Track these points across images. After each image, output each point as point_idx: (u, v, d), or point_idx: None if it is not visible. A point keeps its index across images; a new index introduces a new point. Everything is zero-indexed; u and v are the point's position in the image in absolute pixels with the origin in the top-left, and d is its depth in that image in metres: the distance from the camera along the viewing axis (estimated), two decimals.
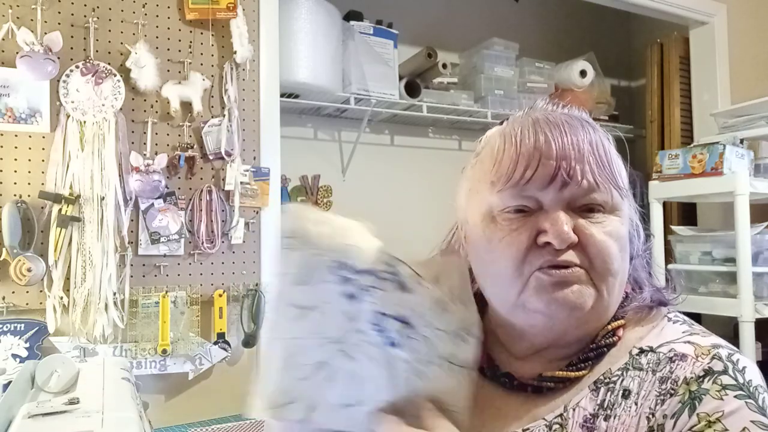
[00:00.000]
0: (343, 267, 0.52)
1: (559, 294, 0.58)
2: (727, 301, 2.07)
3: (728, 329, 2.12)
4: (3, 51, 1.41)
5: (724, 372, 0.55)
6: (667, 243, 2.28)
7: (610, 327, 0.63)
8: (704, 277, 2.20)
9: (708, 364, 0.56)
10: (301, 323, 0.52)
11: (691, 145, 2.31)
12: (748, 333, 1.98)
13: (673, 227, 2.38)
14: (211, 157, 1.63)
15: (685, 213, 2.82)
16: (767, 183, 2.12)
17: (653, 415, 0.55)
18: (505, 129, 0.64)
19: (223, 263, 1.64)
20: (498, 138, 0.64)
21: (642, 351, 0.61)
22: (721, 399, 0.53)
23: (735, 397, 0.54)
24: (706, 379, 0.55)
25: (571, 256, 0.58)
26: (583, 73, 2.77)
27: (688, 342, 0.59)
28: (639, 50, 3.15)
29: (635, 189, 0.70)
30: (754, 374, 0.56)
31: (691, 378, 0.55)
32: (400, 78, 2.41)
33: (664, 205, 2.38)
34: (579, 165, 0.59)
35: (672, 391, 0.56)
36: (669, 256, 2.27)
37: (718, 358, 0.56)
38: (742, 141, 2.29)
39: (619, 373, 0.60)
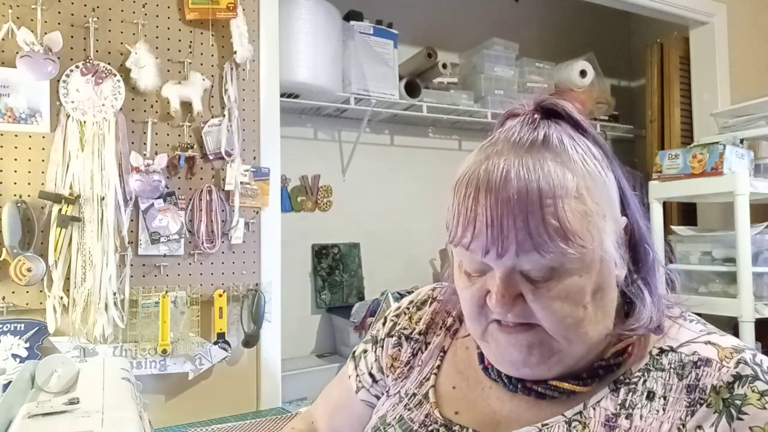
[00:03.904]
0: None
1: (515, 349, 0.59)
2: (727, 301, 2.07)
3: (728, 329, 2.11)
4: (3, 51, 1.41)
5: (756, 377, 0.55)
6: (667, 243, 2.28)
7: (620, 347, 0.62)
8: (704, 277, 2.20)
9: (735, 369, 0.55)
10: None
11: (691, 145, 2.30)
12: (748, 333, 1.98)
13: (673, 227, 2.39)
14: (211, 157, 1.63)
15: (685, 213, 2.82)
16: (767, 183, 2.12)
17: (684, 426, 0.55)
18: (459, 177, 0.60)
19: (223, 263, 1.64)
20: (455, 184, 0.61)
21: (662, 351, 0.60)
22: (764, 408, 0.53)
23: None
24: (736, 385, 0.54)
25: (518, 317, 0.58)
26: (583, 73, 2.77)
27: (708, 342, 0.59)
28: (639, 50, 3.15)
29: (636, 190, 0.67)
30: None
31: (720, 386, 0.55)
32: (400, 78, 2.41)
33: (664, 205, 2.38)
34: (515, 236, 0.54)
35: (701, 401, 0.55)
36: (669, 256, 2.27)
37: (744, 362, 0.56)
38: (742, 141, 2.29)
39: (640, 374, 0.60)
